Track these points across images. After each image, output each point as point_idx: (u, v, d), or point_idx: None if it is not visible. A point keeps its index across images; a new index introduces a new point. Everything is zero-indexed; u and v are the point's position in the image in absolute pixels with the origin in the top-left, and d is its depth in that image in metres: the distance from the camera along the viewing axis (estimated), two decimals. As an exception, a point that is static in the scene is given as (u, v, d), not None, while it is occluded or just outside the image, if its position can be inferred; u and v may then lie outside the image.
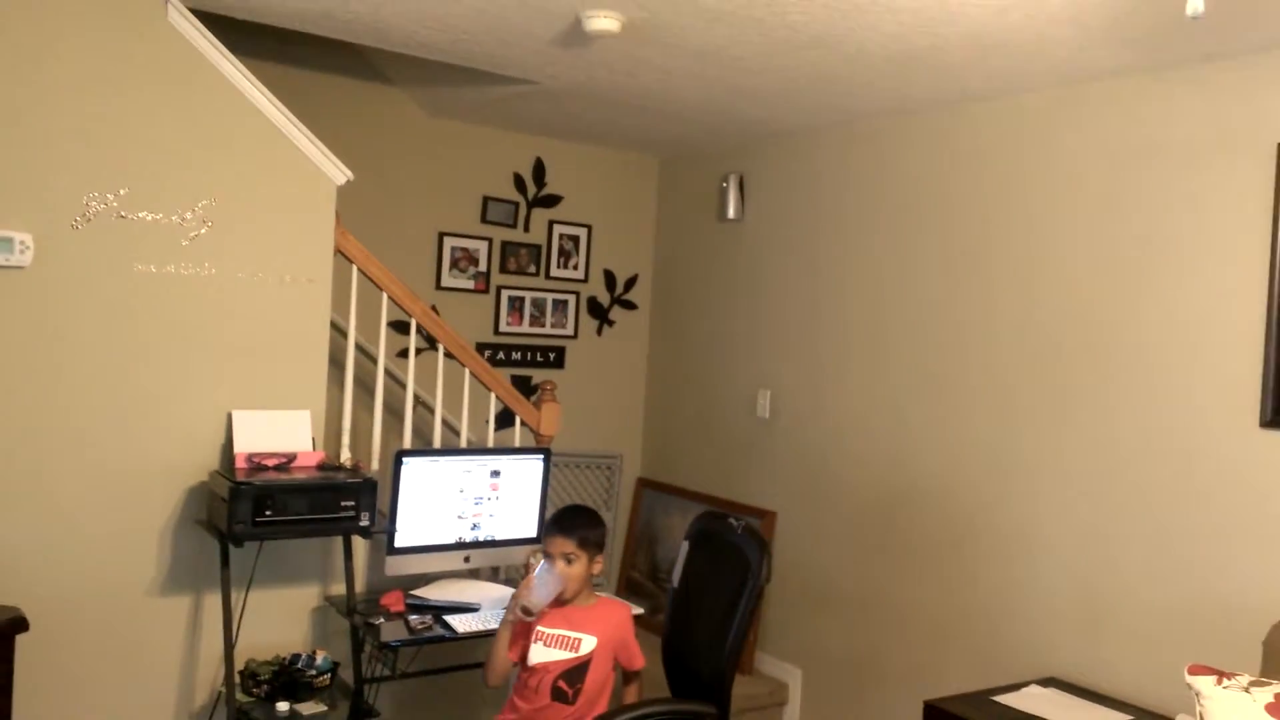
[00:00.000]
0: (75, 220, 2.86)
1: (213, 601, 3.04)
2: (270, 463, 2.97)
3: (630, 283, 5.34)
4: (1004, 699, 3.10)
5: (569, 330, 5.16)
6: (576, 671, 2.66)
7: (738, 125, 4.40)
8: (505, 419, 4.19)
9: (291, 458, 3.01)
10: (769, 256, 4.65)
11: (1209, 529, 3.01)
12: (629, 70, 3.54)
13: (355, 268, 3.34)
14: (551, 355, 5.11)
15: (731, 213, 4.80)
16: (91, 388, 2.89)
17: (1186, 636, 3.02)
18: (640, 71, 3.55)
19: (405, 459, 3.21)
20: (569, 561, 2.70)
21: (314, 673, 2.94)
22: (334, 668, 3.01)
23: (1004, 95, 3.61)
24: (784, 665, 4.44)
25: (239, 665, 2.95)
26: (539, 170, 5.00)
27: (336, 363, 3.63)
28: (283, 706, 2.82)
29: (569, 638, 2.68)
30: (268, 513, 2.77)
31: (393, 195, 4.56)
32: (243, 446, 3.00)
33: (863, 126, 4.19)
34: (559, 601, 2.70)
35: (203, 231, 3.04)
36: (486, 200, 4.85)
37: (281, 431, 3.08)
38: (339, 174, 3.23)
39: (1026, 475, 3.52)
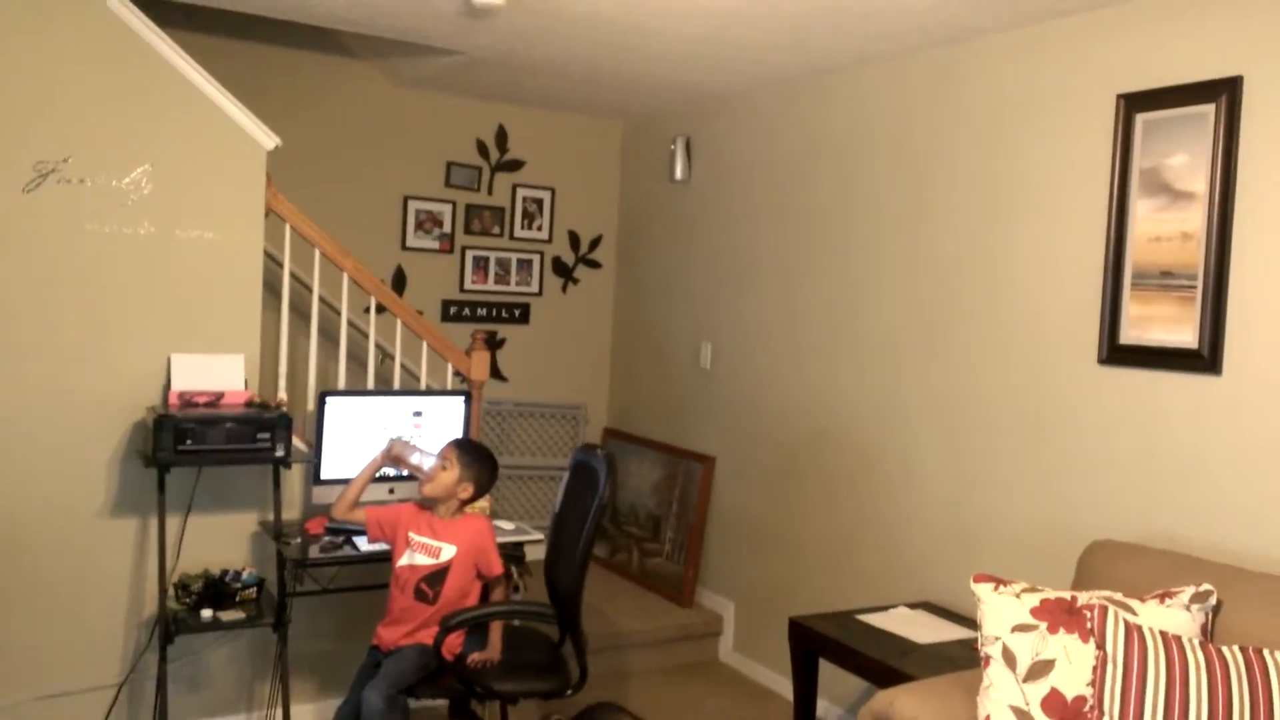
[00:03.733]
0: (28, 185, 3.24)
1: (157, 524, 3.42)
2: (200, 399, 3.34)
3: (595, 243, 5.62)
4: (866, 617, 3.35)
5: (534, 288, 5.46)
6: (437, 575, 3.01)
7: (680, 89, 4.63)
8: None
9: (220, 396, 3.37)
10: (711, 215, 4.89)
11: (1053, 460, 3.21)
12: (541, 40, 3.81)
13: (288, 225, 3.67)
14: (516, 311, 5.42)
15: (679, 174, 5.04)
16: (47, 335, 3.27)
17: (1036, 559, 3.24)
18: (552, 41, 3.81)
19: (328, 398, 3.56)
20: (444, 467, 3.06)
21: (239, 585, 3.31)
22: (260, 582, 3.37)
23: (892, 58, 3.80)
24: (719, 599, 4.73)
25: (175, 580, 3.33)
26: (501, 136, 5.29)
27: (298, 310, 3.99)
28: (206, 613, 3.20)
29: (432, 545, 3.03)
30: (188, 442, 3.13)
31: (359, 162, 4.90)
32: (178, 385, 3.37)
33: (780, 90, 4.40)
34: (431, 512, 3.04)
35: (143, 194, 3.39)
36: (450, 165, 5.17)
37: (217, 373, 3.44)
38: (267, 139, 3.56)
39: (907, 414, 3.74)
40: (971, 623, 3.31)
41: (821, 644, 3.24)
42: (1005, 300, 3.39)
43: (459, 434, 3.78)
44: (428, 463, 3.07)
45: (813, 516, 4.19)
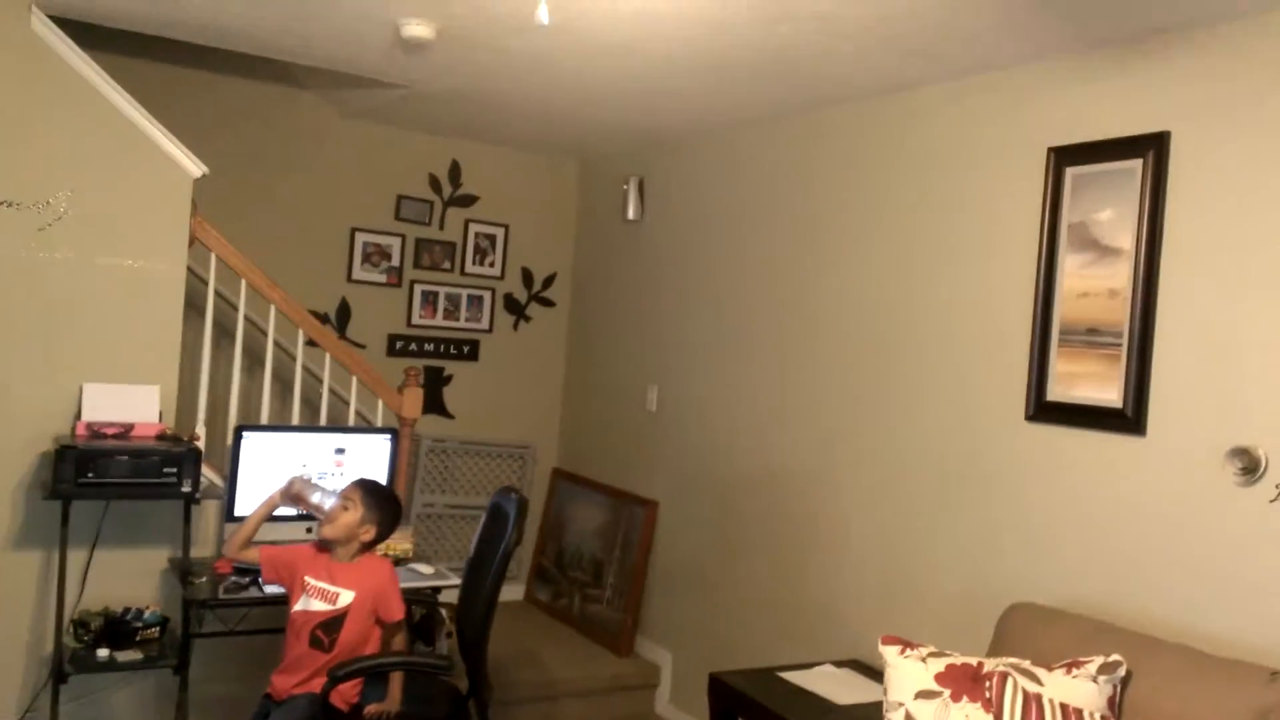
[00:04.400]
0: (-61, 207, 3.16)
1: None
2: (109, 431, 3.24)
3: (549, 280, 5.56)
4: (790, 675, 3.25)
5: (484, 325, 5.39)
6: (334, 622, 2.88)
7: (632, 130, 4.60)
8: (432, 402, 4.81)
9: (130, 427, 3.28)
10: (661, 256, 4.84)
11: (980, 517, 3.14)
12: (483, 76, 3.77)
13: (213, 255, 3.60)
14: (465, 348, 5.34)
15: (631, 213, 4.99)
16: (-47, 359, 3.19)
17: (962, 618, 3.15)
18: (492, 77, 3.77)
19: (245, 433, 3.46)
20: (345, 508, 2.94)
21: (140, 625, 3.20)
22: (163, 622, 3.26)
23: (831, 105, 3.77)
24: (658, 649, 4.61)
25: (75, 617, 3.22)
26: (455, 171, 5.24)
27: (230, 336, 3.91)
28: (103, 652, 3.09)
29: (329, 591, 2.91)
30: (90, 474, 3.03)
31: (305, 193, 4.84)
32: (88, 415, 3.28)
33: (729, 133, 4.37)
34: (330, 556, 2.93)
35: (62, 218, 3.32)
36: (400, 199, 5.11)
37: (128, 404, 3.35)
38: (194, 168, 3.49)
39: (842, 466, 3.67)
40: (894, 683, 3.23)
41: (740, 702, 3.13)
42: (937, 353, 3.32)
43: (383, 474, 3.68)
44: (329, 502, 2.96)
45: (751, 567, 4.09)
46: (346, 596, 2.89)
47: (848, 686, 3.18)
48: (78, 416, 3.33)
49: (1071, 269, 2.92)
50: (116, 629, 3.16)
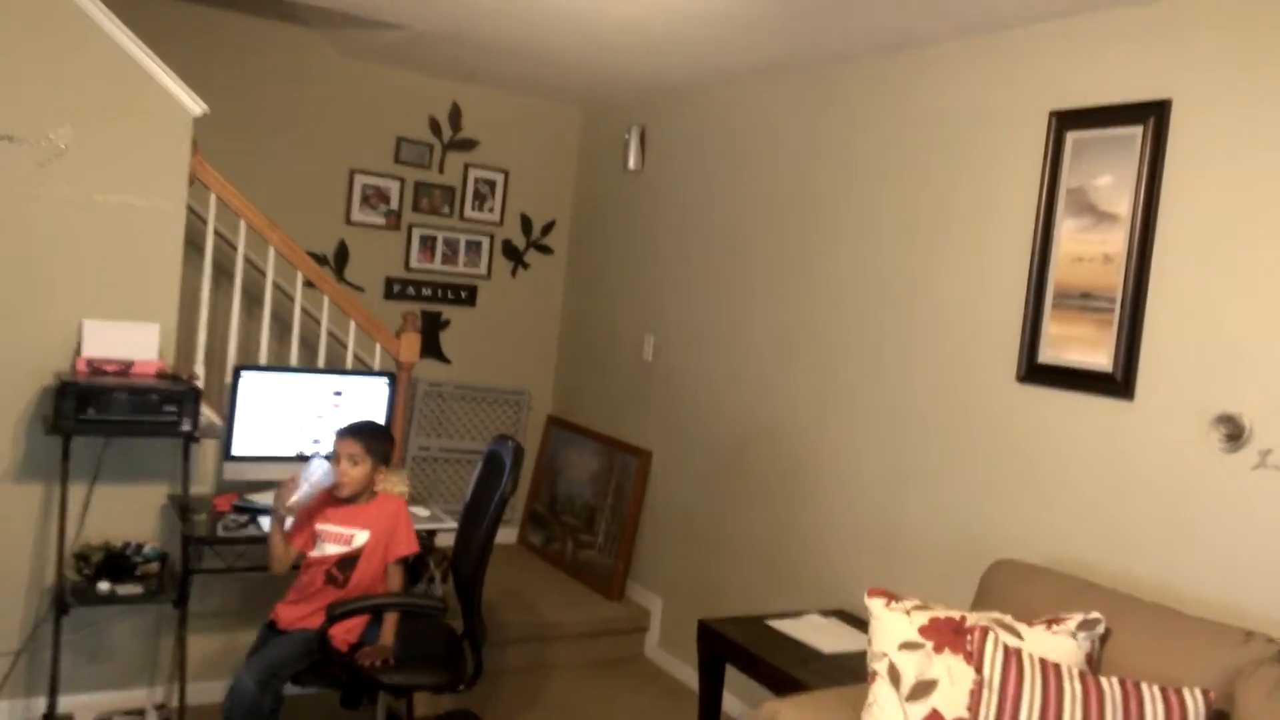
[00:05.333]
0: (-61, 141, 3.15)
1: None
2: (109, 368, 3.26)
3: (547, 227, 5.55)
4: (777, 623, 3.33)
5: (482, 270, 5.39)
6: (348, 562, 2.97)
7: (635, 78, 4.57)
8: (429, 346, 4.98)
9: (130, 365, 3.30)
10: (661, 207, 4.84)
11: (970, 475, 3.19)
12: (489, 17, 3.73)
13: (212, 194, 3.60)
14: (463, 293, 5.35)
15: (632, 164, 4.98)
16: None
17: (949, 573, 3.22)
18: (500, 19, 3.74)
19: (243, 372, 3.49)
20: (354, 463, 2.97)
21: (140, 559, 3.25)
22: (162, 557, 3.32)
23: (836, 61, 3.75)
24: (648, 594, 4.70)
25: (76, 550, 3.27)
26: (455, 114, 5.21)
27: (227, 276, 3.92)
28: (104, 586, 3.14)
29: (344, 534, 2.98)
30: (90, 410, 3.06)
31: (304, 132, 4.81)
32: (88, 352, 3.29)
33: (734, 85, 4.35)
34: (341, 501, 2.97)
35: (61, 155, 3.31)
36: (400, 141, 5.08)
37: (128, 341, 3.36)
38: (194, 106, 3.47)
39: (838, 420, 3.71)
40: (878, 633, 3.30)
41: (728, 648, 3.21)
42: (933, 312, 3.35)
43: (381, 417, 3.72)
44: (317, 474, 2.89)
45: (743, 515, 4.16)
46: (361, 536, 2.96)
47: (833, 635, 3.26)
48: (77, 352, 3.35)
49: (1068, 233, 2.94)
50: (117, 563, 3.21)
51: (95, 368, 3.25)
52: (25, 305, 3.29)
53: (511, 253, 5.46)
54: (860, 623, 3.41)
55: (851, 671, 2.95)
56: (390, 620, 2.99)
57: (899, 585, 3.40)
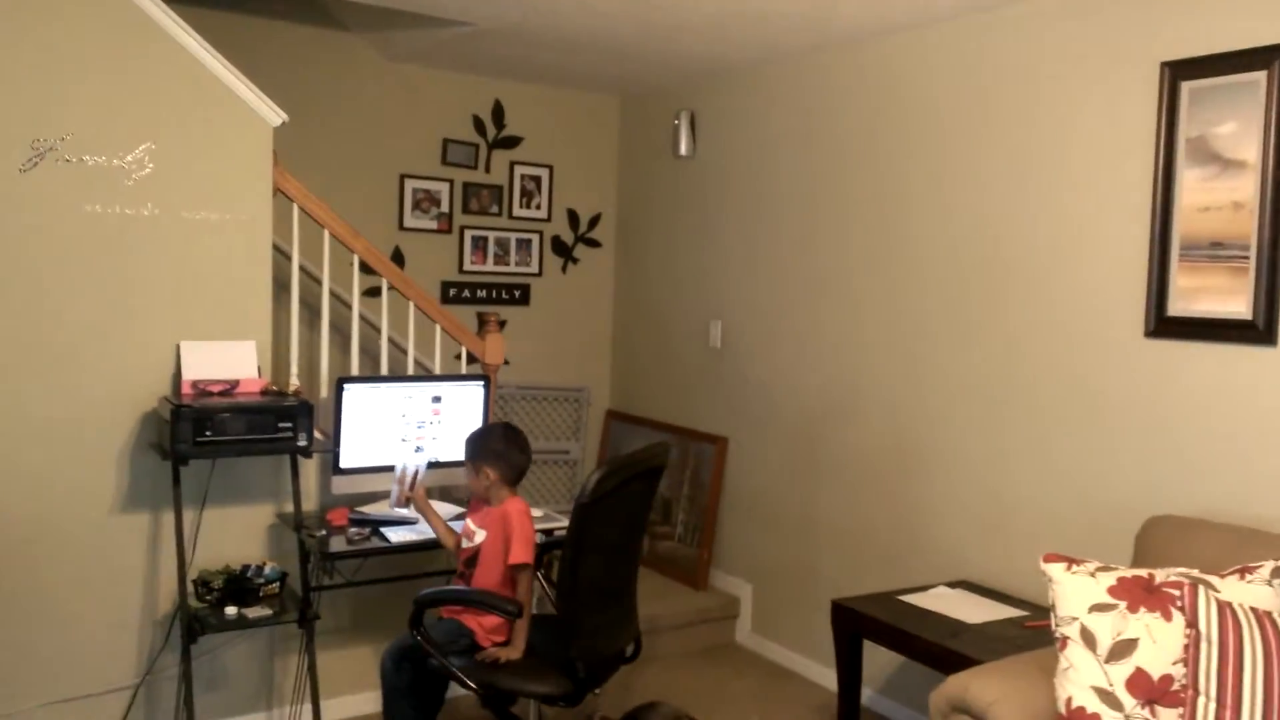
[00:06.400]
0: (24, 164, 3.05)
1: (171, 519, 3.27)
2: (215, 389, 3.18)
3: (594, 221, 5.50)
4: (909, 598, 3.30)
5: (533, 268, 5.33)
6: (472, 558, 3.05)
7: (685, 62, 4.52)
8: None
9: (235, 384, 3.22)
10: (718, 191, 4.79)
11: (1097, 436, 3.17)
12: (552, 9, 3.67)
13: (295, 206, 3.52)
14: (516, 293, 5.29)
15: (683, 149, 4.93)
16: (49, 322, 3.10)
17: (1076, 536, 3.20)
18: (562, 11, 3.67)
19: (346, 385, 3.42)
20: (474, 473, 3.08)
21: (262, 581, 3.17)
22: (282, 577, 3.24)
23: (919, 26, 3.71)
24: (734, 580, 4.66)
25: (195, 576, 3.19)
26: (498, 112, 5.14)
27: (305, 301, 3.86)
28: (231, 610, 3.06)
29: (473, 531, 3.08)
30: (207, 433, 2.98)
31: (353, 139, 4.73)
32: (189, 374, 3.21)
33: (795, 63, 4.30)
34: (484, 501, 3.09)
35: (146, 173, 3.22)
36: (446, 142, 5.01)
37: (227, 360, 3.28)
38: (274, 116, 3.39)
39: (936, 392, 3.68)
40: (1015, 601, 3.28)
41: (868, 626, 3.18)
42: (1044, 273, 3.33)
43: (478, 419, 3.66)
44: (402, 472, 3.25)
45: (831, 497, 4.13)
46: (480, 535, 3.03)
47: (970, 606, 3.23)
48: (176, 375, 3.27)
49: (1191, 183, 2.92)
50: (239, 586, 3.13)
51: (201, 389, 3.17)
52: (118, 330, 3.20)
53: (561, 249, 5.40)
54: (988, 592, 3.39)
55: (1008, 640, 2.93)
56: (519, 626, 2.94)
57: (1013, 555, 3.39)
